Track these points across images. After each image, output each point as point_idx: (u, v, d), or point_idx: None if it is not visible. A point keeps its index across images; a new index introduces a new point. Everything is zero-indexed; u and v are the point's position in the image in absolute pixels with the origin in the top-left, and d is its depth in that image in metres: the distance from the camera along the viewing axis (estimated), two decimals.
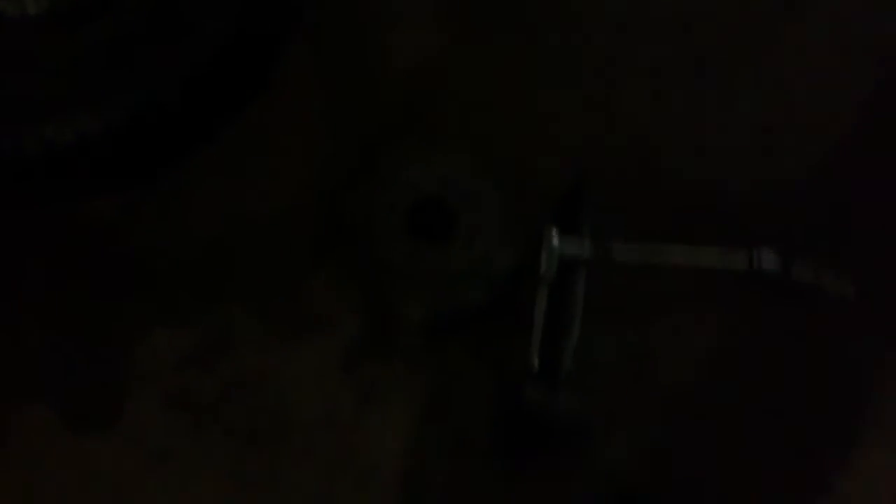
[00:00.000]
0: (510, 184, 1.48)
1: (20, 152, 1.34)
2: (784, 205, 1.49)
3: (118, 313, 1.44)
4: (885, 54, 1.57)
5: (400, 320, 1.45)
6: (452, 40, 1.57)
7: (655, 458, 1.39)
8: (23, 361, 1.41)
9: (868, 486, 1.38)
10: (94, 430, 1.38)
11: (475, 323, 1.45)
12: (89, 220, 1.48)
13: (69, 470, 1.37)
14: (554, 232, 1.40)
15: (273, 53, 1.47)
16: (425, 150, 1.51)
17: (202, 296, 1.45)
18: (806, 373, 1.42)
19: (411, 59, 1.56)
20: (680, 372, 1.43)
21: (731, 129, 1.54)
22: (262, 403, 1.40)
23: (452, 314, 1.44)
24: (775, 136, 1.54)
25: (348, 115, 1.53)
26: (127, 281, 1.46)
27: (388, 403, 1.41)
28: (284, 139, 1.52)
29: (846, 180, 1.51)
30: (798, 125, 1.54)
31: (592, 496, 1.37)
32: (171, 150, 1.44)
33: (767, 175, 1.51)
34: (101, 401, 1.40)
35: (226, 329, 1.43)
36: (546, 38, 1.57)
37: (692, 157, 1.52)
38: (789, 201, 1.49)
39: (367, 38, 1.57)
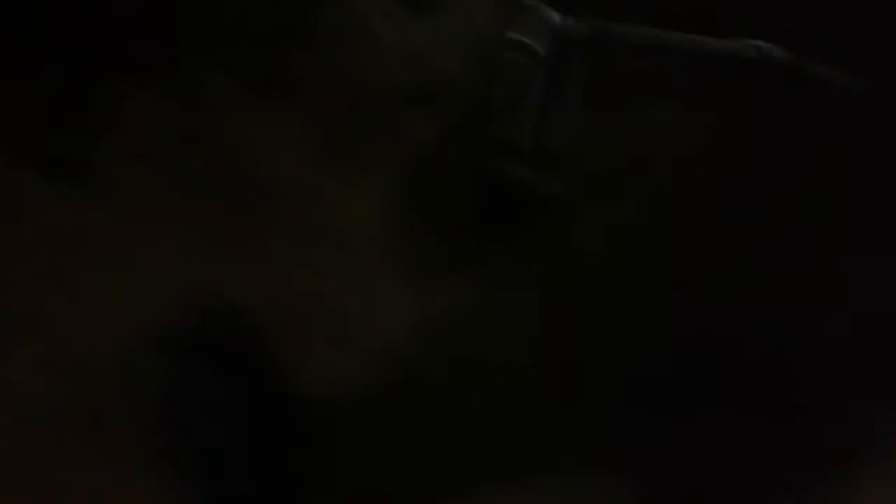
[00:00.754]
0: None
1: None
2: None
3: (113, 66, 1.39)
4: None
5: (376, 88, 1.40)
6: None
7: (624, 239, 1.35)
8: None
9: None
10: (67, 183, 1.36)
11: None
12: None
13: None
14: (550, 10, 1.33)
15: None
16: None
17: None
18: (805, 167, 1.37)
19: None
20: (671, 161, 1.38)
21: None
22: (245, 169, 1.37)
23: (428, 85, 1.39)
24: None
25: None
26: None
27: (369, 174, 1.37)
28: None
29: None
30: None
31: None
32: None
33: None
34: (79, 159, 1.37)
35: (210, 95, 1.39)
36: None
37: None
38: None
39: None
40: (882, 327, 1.30)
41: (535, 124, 1.35)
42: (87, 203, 1.35)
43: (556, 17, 1.36)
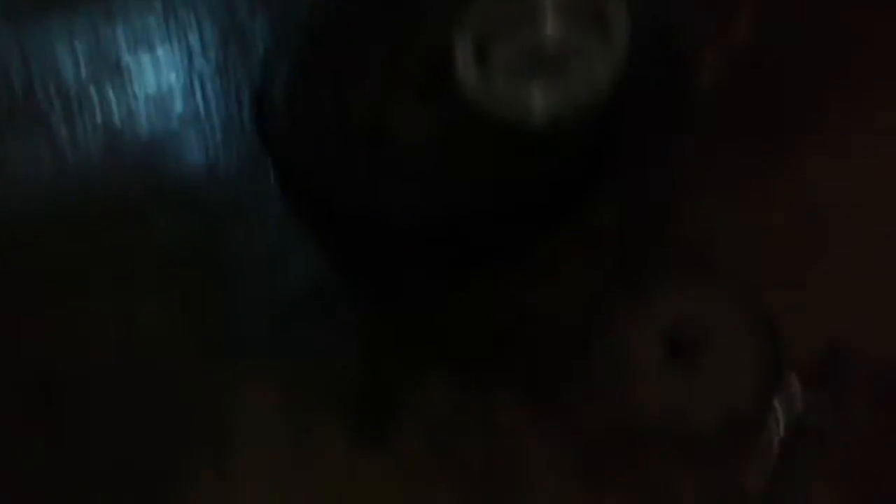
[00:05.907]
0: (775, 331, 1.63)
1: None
2: None
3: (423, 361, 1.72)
4: None
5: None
6: None
7: None
8: None
9: None
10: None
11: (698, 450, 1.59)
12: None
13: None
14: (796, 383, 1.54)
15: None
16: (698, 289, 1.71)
17: (479, 369, 1.71)
18: None
19: None
20: None
21: None
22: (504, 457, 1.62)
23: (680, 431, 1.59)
24: None
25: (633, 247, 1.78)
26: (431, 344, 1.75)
27: (613, 492, 1.57)
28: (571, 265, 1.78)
29: None
30: None
31: None
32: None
33: None
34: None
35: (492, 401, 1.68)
36: None
37: None
38: None
39: None
40: None
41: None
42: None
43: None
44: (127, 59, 2.06)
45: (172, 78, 2.06)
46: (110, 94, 2.03)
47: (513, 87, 1.67)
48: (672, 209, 1.80)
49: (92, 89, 2.05)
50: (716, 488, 1.54)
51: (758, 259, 1.72)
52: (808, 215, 1.75)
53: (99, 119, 2.04)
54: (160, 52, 2.06)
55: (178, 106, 2.03)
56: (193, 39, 2.06)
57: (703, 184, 1.79)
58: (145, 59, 2.05)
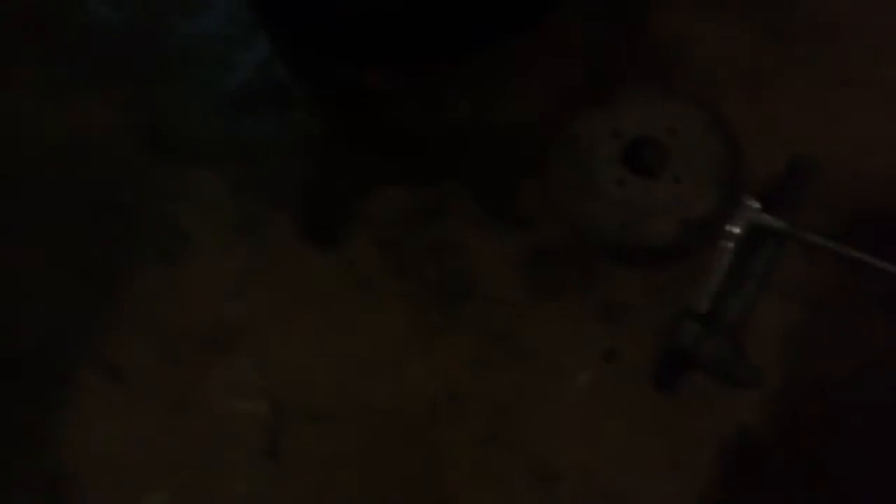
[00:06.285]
0: (735, 146, 1.60)
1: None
2: None
3: (374, 167, 1.69)
4: None
5: (589, 237, 1.59)
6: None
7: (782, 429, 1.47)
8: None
9: None
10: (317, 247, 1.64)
11: (654, 261, 1.57)
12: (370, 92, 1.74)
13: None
14: (753, 199, 1.51)
15: None
16: (663, 97, 1.66)
17: (436, 168, 1.67)
18: None
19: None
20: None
21: None
22: (456, 266, 1.60)
23: (637, 245, 1.57)
24: None
25: (598, 56, 1.72)
26: (387, 142, 1.71)
27: (559, 301, 1.56)
28: (538, 65, 1.72)
29: None
30: None
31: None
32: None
33: None
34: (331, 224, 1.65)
35: (445, 198, 1.64)
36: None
37: None
38: None
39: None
40: None
41: (719, 297, 1.50)
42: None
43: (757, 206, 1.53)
44: None
45: None
46: None
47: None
48: (641, 16, 1.72)
49: None
50: (666, 300, 1.54)
51: (724, 75, 1.67)
52: (777, 27, 1.69)
53: None
54: None
55: None
56: None
57: None
58: None
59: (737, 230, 1.51)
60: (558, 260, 1.60)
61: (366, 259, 1.62)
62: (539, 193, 1.63)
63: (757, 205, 1.52)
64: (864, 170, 1.58)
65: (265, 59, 1.78)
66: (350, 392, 1.54)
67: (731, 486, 1.44)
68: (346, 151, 1.72)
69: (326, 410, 1.53)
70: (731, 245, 1.51)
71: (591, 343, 1.54)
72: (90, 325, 1.62)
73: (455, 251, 1.61)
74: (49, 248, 1.68)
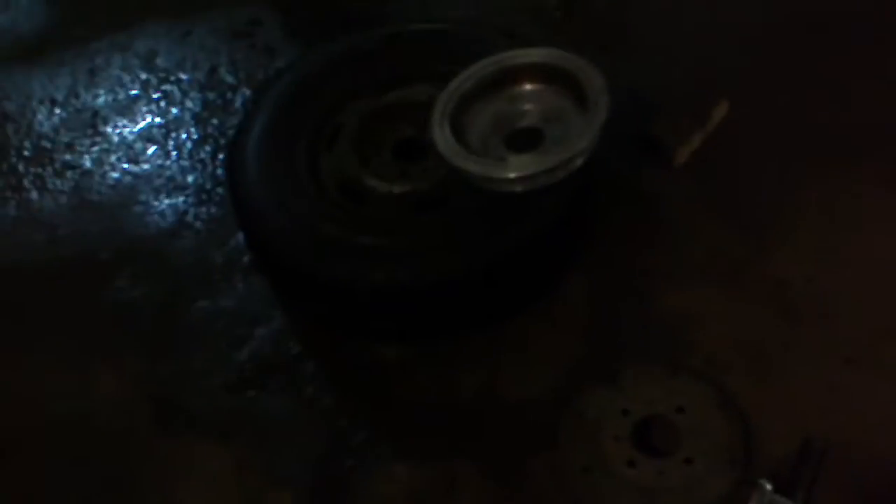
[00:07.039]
0: (745, 425, 1.60)
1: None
2: None
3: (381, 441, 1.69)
4: None
5: None
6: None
7: None
8: None
9: None
10: None
11: None
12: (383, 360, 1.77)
13: None
14: (766, 480, 1.50)
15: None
16: (670, 375, 1.67)
17: (446, 445, 1.67)
18: None
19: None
20: None
21: None
22: None
23: None
24: None
25: (604, 333, 1.75)
26: (397, 416, 1.72)
27: None
28: (545, 341, 1.75)
29: None
30: None
31: None
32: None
33: None
34: None
35: (454, 478, 1.63)
36: None
37: None
38: None
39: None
40: None
41: None
42: None
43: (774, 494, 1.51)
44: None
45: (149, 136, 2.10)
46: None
47: (489, 153, 1.66)
48: (645, 290, 1.77)
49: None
50: None
51: (730, 353, 1.68)
52: (780, 307, 1.73)
53: (70, 175, 2.06)
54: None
55: (152, 161, 2.06)
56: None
57: (678, 267, 1.78)
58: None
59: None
60: None
61: None
62: (550, 469, 1.61)
63: (769, 486, 1.50)
64: (875, 450, 1.57)
65: (278, 332, 1.81)
66: None
67: None
68: (354, 425, 1.71)
69: None
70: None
71: None
72: None
73: None
74: None
